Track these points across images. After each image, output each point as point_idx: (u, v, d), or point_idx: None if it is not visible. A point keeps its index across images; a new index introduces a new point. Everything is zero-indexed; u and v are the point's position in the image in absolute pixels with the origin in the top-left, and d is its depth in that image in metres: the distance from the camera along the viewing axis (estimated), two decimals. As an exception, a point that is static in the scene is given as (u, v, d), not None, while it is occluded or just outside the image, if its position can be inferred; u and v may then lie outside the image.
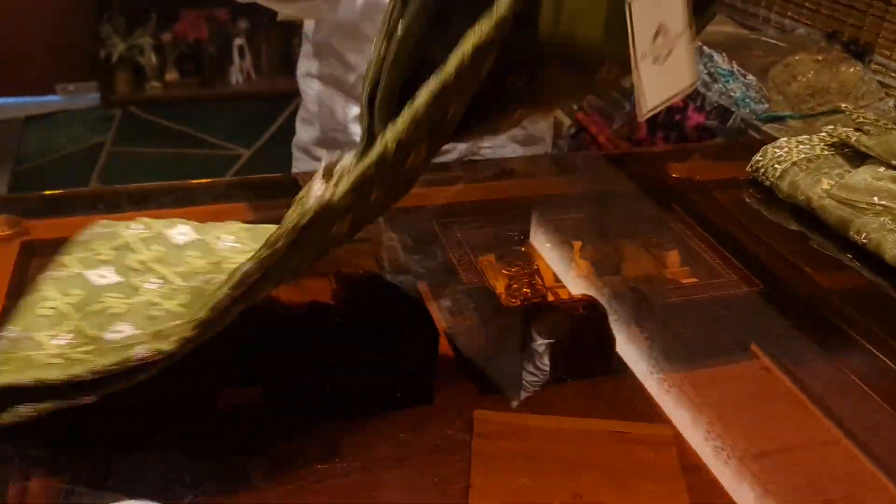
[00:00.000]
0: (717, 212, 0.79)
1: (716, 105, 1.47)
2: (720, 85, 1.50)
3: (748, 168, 0.82)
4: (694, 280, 0.71)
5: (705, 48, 1.56)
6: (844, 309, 0.68)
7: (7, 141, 2.56)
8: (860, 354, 0.63)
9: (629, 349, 0.61)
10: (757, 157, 0.81)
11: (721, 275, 0.70)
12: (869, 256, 0.70)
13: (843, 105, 0.90)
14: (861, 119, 0.80)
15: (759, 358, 0.64)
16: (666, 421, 0.53)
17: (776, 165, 0.78)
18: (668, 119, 1.56)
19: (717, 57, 1.53)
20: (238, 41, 2.86)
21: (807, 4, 1.67)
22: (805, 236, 0.75)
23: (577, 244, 0.73)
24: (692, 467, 0.49)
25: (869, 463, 0.52)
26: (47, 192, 0.78)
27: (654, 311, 0.66)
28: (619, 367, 0.58)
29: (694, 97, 1.54)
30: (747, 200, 0.81)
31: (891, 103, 1.47)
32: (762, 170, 0.80)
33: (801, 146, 0.79)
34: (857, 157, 0.78)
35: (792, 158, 0.78)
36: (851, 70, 1.51)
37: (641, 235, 0.76)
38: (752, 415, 0.57)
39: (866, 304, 0.68)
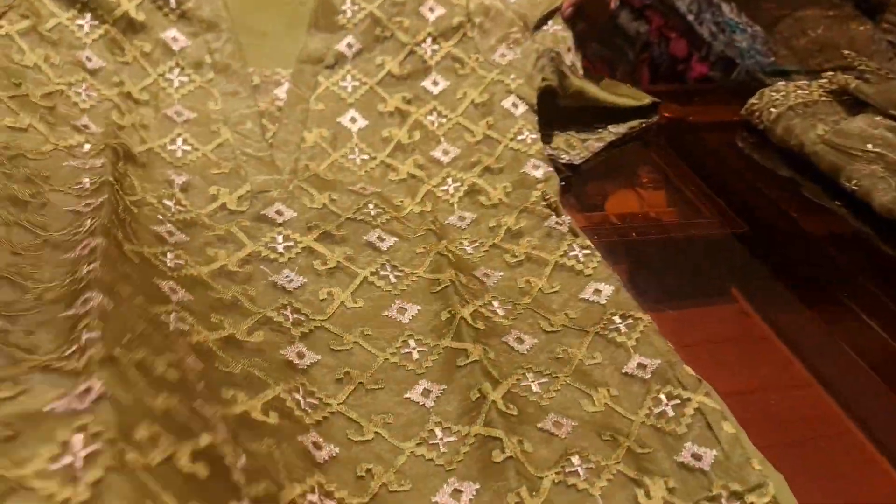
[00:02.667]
0: (707, 153, 0.77)
1: (720, 56, 1.44)
2: (726, 36, 1.46)
3: (742, 111, 0.80)
4: (676, 220, 0.69)
5: (714, -3, 1.51)
6: (828, 256, 0.66)
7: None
8: (839, 305, 0.62)
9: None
10: (753, 99, 0.79)
11: (705, 216, 0.69)
12: (858, 204, 0.68)
13: (847, 52, 0.88)
14: (863, 66, 0.77)
15: (739, 302, 0.63)
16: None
17: (772, 109, 0.76)
18: (671, 69, 1.53)
19: (724, 7, 1.49)
20: None
21: (822, -42, 1.62)
22: (795, 182, 0.73)
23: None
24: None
25: (837, 406, 0.51)
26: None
27: (633, 248, 0.65)
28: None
29: (699, 47, 1.50)
30: (739, 144, 0.79)
31: (899, 63, 1.44)
32: (757, 112, 0.78)
33: (798, 91, 0.77)
34: (857, 104, 0.76)
35: (788, 102, 0.75)
36: (862, 28, 1.47)
37: (625, 172, 0.74)
38: (725, 356, 0.56)
39: (851, 253, 0.67)
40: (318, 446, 0.40)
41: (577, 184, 0.71)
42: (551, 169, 0.64)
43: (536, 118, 0.68)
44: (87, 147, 0.58)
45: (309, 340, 0.47)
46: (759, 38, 1.42)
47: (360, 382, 0.45)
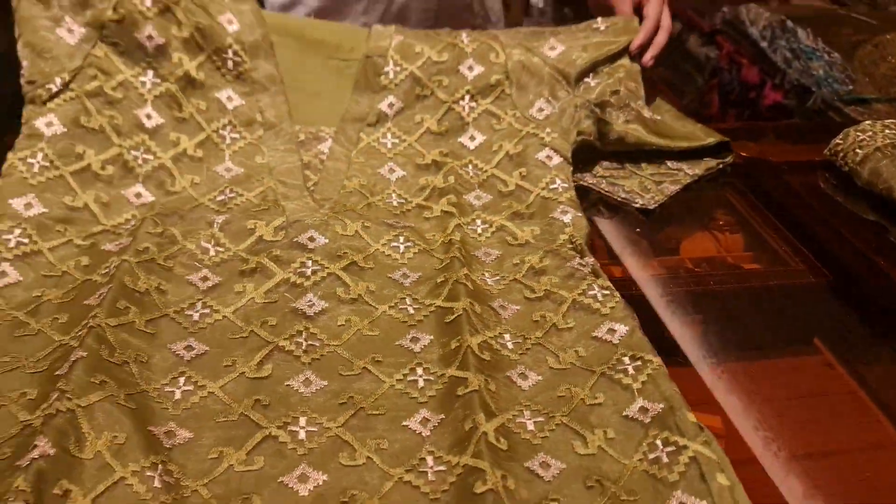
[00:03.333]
0: (789, 195, 0.75)
1: (795, 83, 1.39)
2: (801, 63, 1.41)
3: (826, 151, 0.77)
4: (756, 266, 0.67)
5: (788, 23, 1.48)
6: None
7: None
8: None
9: (683, 333, 0.59)
10: (837, 139, 0.76)
11: (787, 263, 0.66)
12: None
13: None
14: (955, 105, 0.74)
15: (822, 353, 0.60)
16: (717, 411, 0.51)
17: (857, 150, 0.73)
18: (743, 96, 1.49)
19: (800, 33, 1.45)
20: None
21: (904, -20, 1.56)
22: (883, 227, 0.70)
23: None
24: (741, 460, 0.47)
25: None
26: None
27: (712, 296, 0.63)
28: (672, 351, 0.56)
29: (772, 74, 1.46)
30: (822, 185, 0.76)
31: None
32: (841, 153, 0.75)
33: (886, 131, 0.74)
34: (949, 145, 0.72)
35: (876, 143, 0.72)
36: (948, 53, 1.41)
37: (704, 216, 0.72)
38: (808, 411, 0.54)
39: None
40: (303, 479, 0.41)
41: (651, 227, 0.69)
42: (580, 214, 0.64)
43: (571, 168, 0.69)
44: (130, 223, 0.60)
45: (318, 366, 0.49)
46: (836, 65, 1.38)
47: (362, 407, 0.46)
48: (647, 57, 0.79)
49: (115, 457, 0.40)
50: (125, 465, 0.40)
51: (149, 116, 0.66)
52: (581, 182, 0.71)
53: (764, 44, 1.48)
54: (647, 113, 0.76)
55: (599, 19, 0.80)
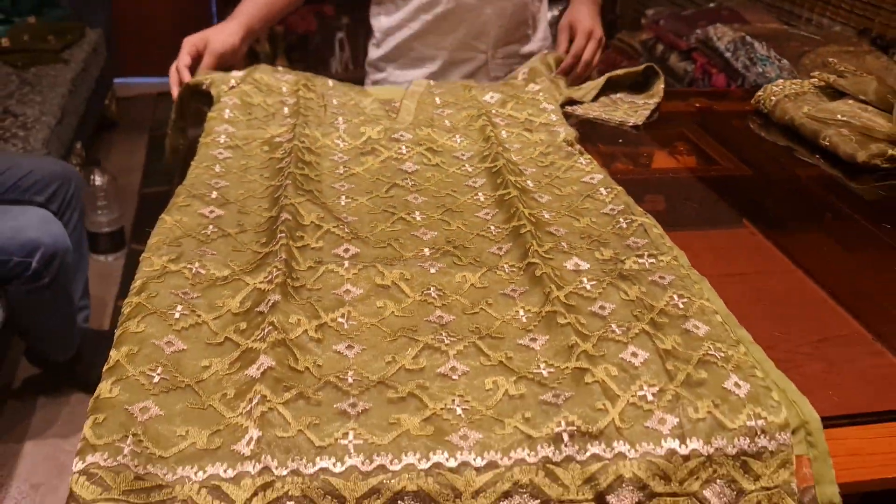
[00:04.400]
0: (728, 130, 1.07)
1: (753, 84, 1.73)
2: (759, 68, 1.76)
3: (752, 101, 1.10)
4: (700, 166, 0.99)
5: (747, 37, 1.83)
6: (811, 190, 0.95)
7: (143, 111, 2.99)
8: (822, 223, 0.90)
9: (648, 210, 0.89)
10: (759, 93, 1.09)
11: (721, 164, 0.99)
12: (830, 156, 0.97)
13: (830, 59, 1.17)
14: (842, 68, 1.07)
15: (748, 227, 0.91)
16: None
17: (772, 97, 1.06)
18: (713, 97, 1.84)
19: (756, 45, 1.79)
20: (340, 35, 3.24)
21: (843, 5, 1.92)
22: (790, 147, 1.03)
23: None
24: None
25: (816, 286, 0.78)
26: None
27: (663, 184, 0.95)
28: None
29: (736, 78, 1.81)
30: (750, 125, 1.09)
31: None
32: (762, 101, 1.08)
33: (792, 85, 1.07)
34: (836, 94, 1.05)
35: (784, 92, 1.05)
36: (877, 60, 1.76)
37: (667, 145, 1.05)
38: (728, 253, 0.85)
39: (827, 187, 0.95)
40: (454, 370, 0.57)
41: (630, 153, 1.02)
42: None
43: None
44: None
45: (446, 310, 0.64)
46: (785, 70, 1.72)
47: (488, 334, 0.61)
48: (578, 71, 1.12)
49: None
50: None
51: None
52: (587, 116, 1.04)
53: (728, 55, 1.83)
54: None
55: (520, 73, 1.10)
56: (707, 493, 0.51)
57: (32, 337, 1.49)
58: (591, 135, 1.01)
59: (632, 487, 0.50)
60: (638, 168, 1.00)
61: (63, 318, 1.44)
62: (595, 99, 1.09)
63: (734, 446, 0.52)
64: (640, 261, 0.70)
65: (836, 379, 0.63)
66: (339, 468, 0.48)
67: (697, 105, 1.12)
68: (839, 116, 0.98)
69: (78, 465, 0.47)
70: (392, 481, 0.48)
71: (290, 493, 0.47)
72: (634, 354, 0.58)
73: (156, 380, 0.53)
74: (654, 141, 1.05)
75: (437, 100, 1.01)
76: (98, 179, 2.10)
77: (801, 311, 0.74)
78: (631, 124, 1.03)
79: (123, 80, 3.11)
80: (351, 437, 0.50)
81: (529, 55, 1.21)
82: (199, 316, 0.60)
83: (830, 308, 0.73)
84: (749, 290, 0.76)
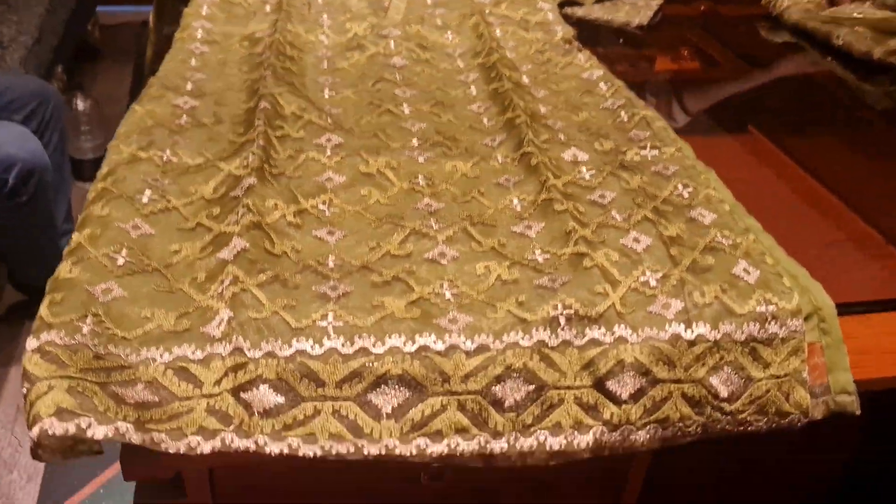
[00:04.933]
0: (732, 32, 1.02)
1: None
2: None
3: (762, 2, 1.04)
4: (703, 70, 0.94)
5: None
6: (822, 94, 0.90)
7: (128, 40, 2.90)
8: (833, 127, 0.86)
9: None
10: (771, -5, 1.03)
11: (725, 68, 0.94)
12: (843, 57, 0.92)
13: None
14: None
15: (754, 133, 0.86)
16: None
17: (785, 1, 1.00)
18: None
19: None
20: None
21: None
22: (800, 48, 0.97)
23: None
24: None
25: (826, 191, 0.74)
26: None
27: (664, 89, 0.90)
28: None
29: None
30: (758, 29, 1.03)
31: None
32: (773, 3, 1.02)
33: (800, -11, 1.01)
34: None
35: (795, -4, 1.00)
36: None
37: (671, 51, 0.99)
38: (733, 161, 0.80)
39: (838, 90, 0.91)
40: (442, 255, 0.52)
41: (631, 55, 0.96)
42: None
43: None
44: None
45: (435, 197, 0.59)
46: None
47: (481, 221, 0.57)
48: None
49: None
50: None
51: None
52: (587, 17, 0.99)
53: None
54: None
55: None
56: (714, 380, 0.48)
57: (14, 259, 1.45)
58: (592, 37, 0.96)
59: (633, 373, 0.47)
60: (638, 71, 0.94)
61: (45, 240, 1.40)
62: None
63: (743, 332, 0.49)
64: (642, 152, 0.66)
65: (845, 278, 0.60)
66: (317, 350, 0.45)
67: (702, 8, 1.06)
68: (855, 14, 0.92)
69: (32, 344, 0.43)
70: (375, 364, 0.45)
71: (263, 376, 0.44)
72: (636, 240, 0.54)
73: (120, 262, 0.49)
74: (655, 44, 1.00)
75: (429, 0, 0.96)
76: (80, 104, 2.03)
77: (810, 216, 0.71)
78: (635, 25, 0.98)
79: (108, 9, 3.00)
80: (331, 318, 0.46)
81: None
82: (168, 201, 0.56)
83: (840, 212, 0.70)
84: (755, 195, 0.71)
